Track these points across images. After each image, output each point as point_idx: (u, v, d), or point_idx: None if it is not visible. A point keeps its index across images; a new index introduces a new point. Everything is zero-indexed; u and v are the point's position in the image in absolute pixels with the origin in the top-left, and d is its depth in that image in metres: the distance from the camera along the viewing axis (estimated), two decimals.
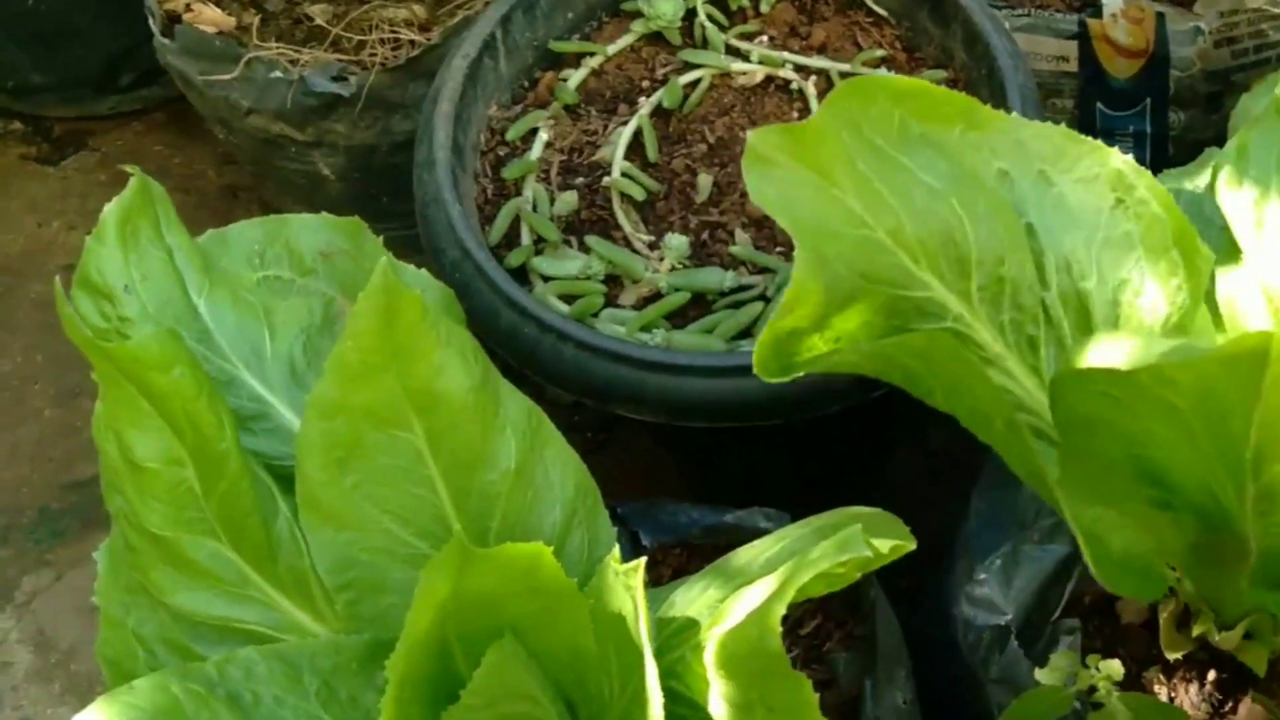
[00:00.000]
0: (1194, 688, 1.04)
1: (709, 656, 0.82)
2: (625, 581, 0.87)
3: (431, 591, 0.88)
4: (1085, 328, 0.95)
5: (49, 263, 2.04)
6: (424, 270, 1.14)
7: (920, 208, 0.92)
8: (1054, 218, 0.94)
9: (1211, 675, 1.04)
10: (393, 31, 1.60)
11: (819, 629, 1.16)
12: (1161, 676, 1.05)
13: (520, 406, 1.01)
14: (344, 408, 0.95)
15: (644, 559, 0.86)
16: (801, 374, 0.93)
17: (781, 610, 0.75)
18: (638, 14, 1.48)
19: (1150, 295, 0.94)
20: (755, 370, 0.92)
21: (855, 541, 0.78)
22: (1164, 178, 1.19)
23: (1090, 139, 0.95)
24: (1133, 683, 1.04)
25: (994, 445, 0.93)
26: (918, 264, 0.92)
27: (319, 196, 1.69)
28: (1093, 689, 1.00)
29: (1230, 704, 1.04)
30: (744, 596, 0.84)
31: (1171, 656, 1.02)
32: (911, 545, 0.86)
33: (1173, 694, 1.04)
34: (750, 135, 0.88)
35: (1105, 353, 0.79)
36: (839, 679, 1.12)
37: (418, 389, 0.96)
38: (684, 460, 1.48)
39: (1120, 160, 0.94)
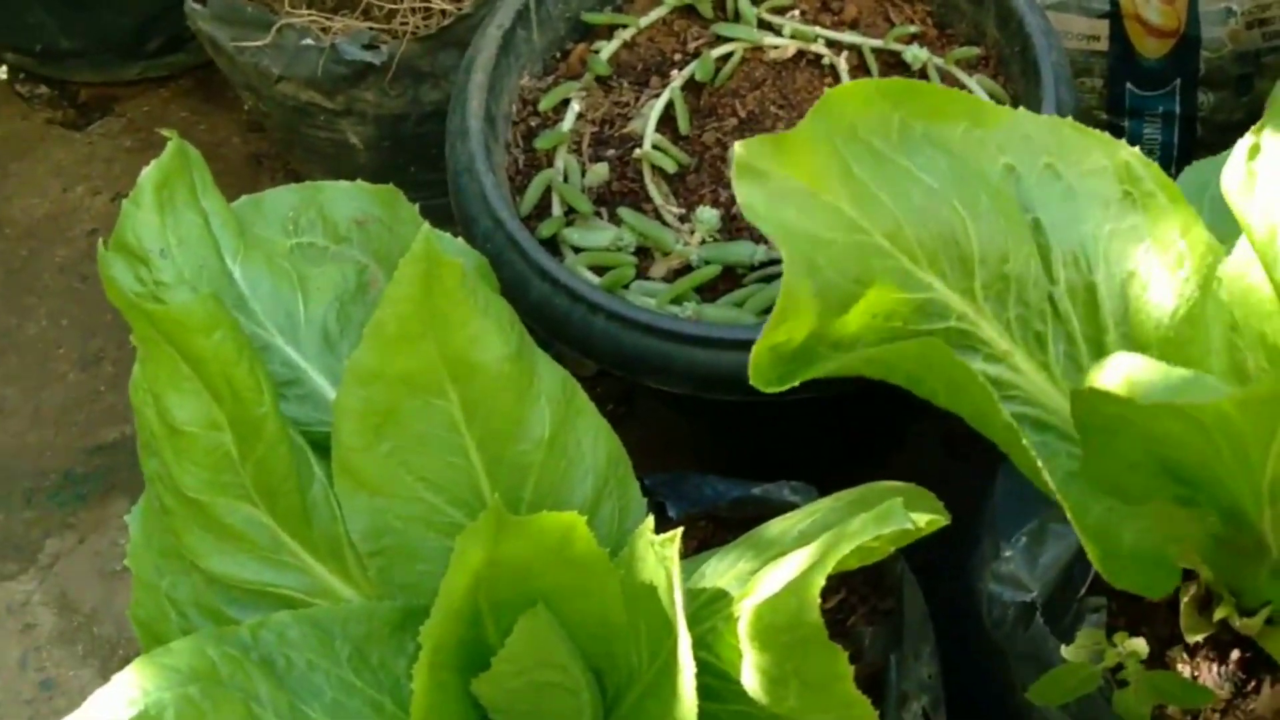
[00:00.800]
0: (1218, 666, 1.05)
1: (743, 627, 0.82)
2: (660, 553, 0.87)
3: (466, 559, 0.89)
4: (1094, 321, 0.94)
5: (74, 228, 2.04)
6: (459, 239, 1.14)
7: (920, 208, 0.90)
8: (1061, 211, 0.93)
9: (1235, 655, 1.04)
10: (424, 1, 1.60)
11: (843, 603, 1.17)
12: (1185, 655, 1.05)
13: (555, 376, 1.02)
14: (381, 374, 0.96)
15: (679, 530, 0.86)
16: (797, 383, 0.93)
17: (821, 581, 0.76)
18: None
19: (1158, 288, 0.93)
20: (751, 380, 0.91)
21: (897, 514, 0.79)
22: (1196, 168, 1.19)
23: (1097, 131, 0.94)
24: (1156, 660, 1.05)
25: (997, 443, 0.93)
26: (918, 265, 0.91)
27: (346, 165, 1.69)
28: (1118, 666, 1.00)
29: (1253, 683, 1.04)
30: (779, 568, 0.84)
31: (1191, 640, 1.02)
32: (946, 520, 0.86)
33: (1196, 672, 1.05)
34: (737, 146, 0.87)
35: (1120, 378, 0.78)
36: (864, 653, 1.12)
37: (455, 357, 0.96)
38: (706, 432, 1.49)
39: (1128, 152, 0.93)
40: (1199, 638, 1.01)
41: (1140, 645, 0.99)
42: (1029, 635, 1.04)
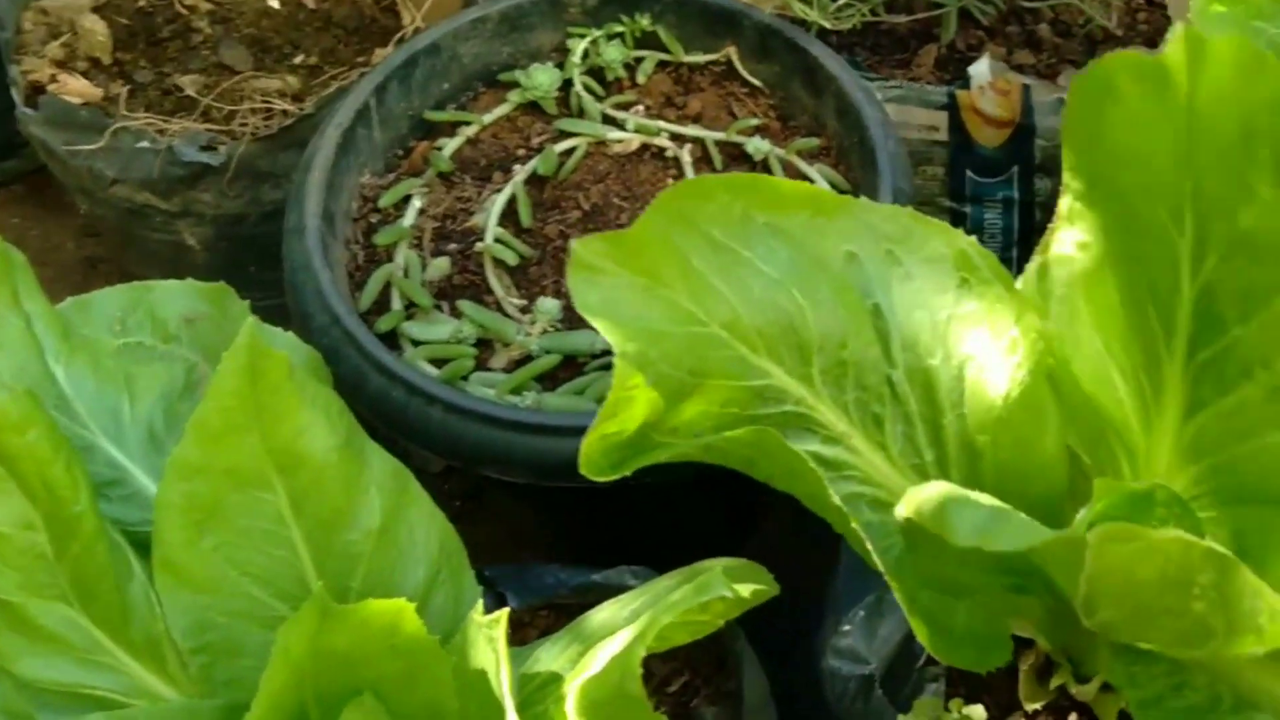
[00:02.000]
0: None
1: (570, 705, 0.81)
2: (488, 634, 0.86)
3: (288, 649, 0.86)
4: (932, 403, 0.96)
5: None
6: (290, 333, 1.13)
7: (759, 298, 0.92)
8: (901, 296, 0.95)
9: (1072, 719, 1.04)
10: (265, 101, 1.60)
11: (686, 685, 1.16)
12: None
13: (385, 466, 1.00)
14: (205, 469, 0.94)
15: (506, 609, 0.85)
16: (630, 471, 0.93)
17: (642, 652, 0.75)
18: (514, 84, 1.50)
19: (993, 372, 0.95)
20: (581, 469, 0.91)
21: (715, 584, 0.78)
22: None
23: (936, 220, 0.97)
24: None
25: (832, 525, 0.94)
26: (755, 353, 0.92)
27: (183, 266, 1.66)
28: None
29: None
30: (606, 646, 0.83)
31: (1030, 708, 1.03)
32: (774, 591, 0.85)
33: None
34: (574, 244, 0.87)
35: (931, 510, 0.81)
36: None
37: (280, 449, 0.95)
38: (555, 523, 1.48)
39: (965, 241, 0.96)
40: (1037, 705, 1.01)
41: (978, 712, 0.99)
42: (870, 708, 1.04)
